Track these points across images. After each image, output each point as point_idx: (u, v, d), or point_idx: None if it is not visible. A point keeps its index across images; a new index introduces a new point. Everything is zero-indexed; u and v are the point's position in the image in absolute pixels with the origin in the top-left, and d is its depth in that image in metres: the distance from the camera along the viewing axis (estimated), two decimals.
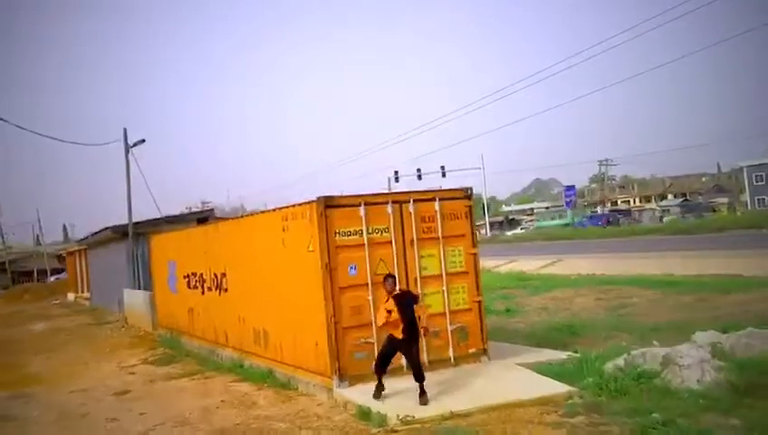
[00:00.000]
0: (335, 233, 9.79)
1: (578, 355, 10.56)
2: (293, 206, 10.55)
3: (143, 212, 27.19)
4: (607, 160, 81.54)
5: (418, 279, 10.22)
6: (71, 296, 41.49)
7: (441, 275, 10.40)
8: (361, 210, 9.94)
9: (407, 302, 8.92)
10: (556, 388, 8.90)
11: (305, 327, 10.38)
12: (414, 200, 10.34)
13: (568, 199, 71.62)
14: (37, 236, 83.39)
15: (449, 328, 10.37)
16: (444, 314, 10.38)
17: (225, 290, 13.88)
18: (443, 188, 11.06)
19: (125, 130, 24.68)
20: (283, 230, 10.90)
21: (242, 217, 13.29)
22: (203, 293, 15.28)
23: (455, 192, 10.80)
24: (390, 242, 10.11)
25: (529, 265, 32.46)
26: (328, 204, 9.75)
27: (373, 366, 9.11)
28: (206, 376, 12.45)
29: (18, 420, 10.52)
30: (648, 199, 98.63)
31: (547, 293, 21.35)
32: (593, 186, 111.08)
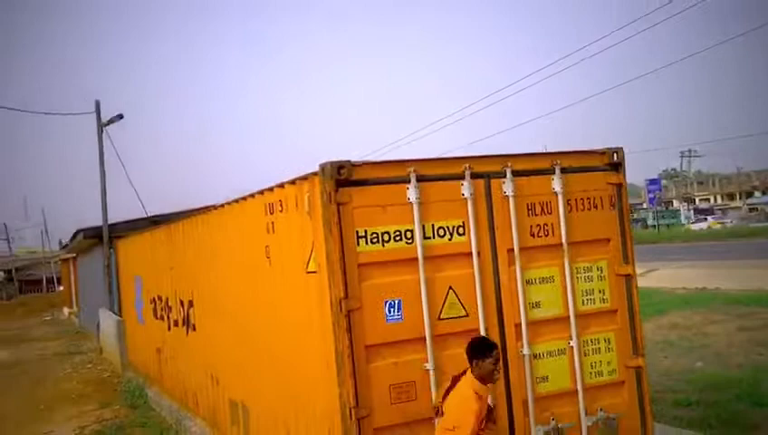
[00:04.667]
0: (358, 236, 5.15)
1: None
2: (281, 185, 5.96)
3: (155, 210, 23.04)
4: (690, 152, 74.46)
5: (524, 326, 5.54)
6: (65, 311, 37.81)
7: (567, 318, 5.70)
8: (411, 190, 5.28)
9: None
10: None
11: (307, 416, 5.81)
12: (513, 173, 5.63)
13: (651, 195, 65.04)
14: (60, 240, 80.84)
15: (584, 422, 5.65)
16: (574, 392, 5.67)
17: (194, 328, 9.40)
18: (567, 150, 6.19)
19: (97, 102, 20.40)
20: (268, 232, 6.35)
21: (212, 208, 8.66)
22: (169, 328, 10.86)
23: (590, 157, 6.01)
24: (469, 254, 5.43)
25: None
26: (343, 178, 5.12)
27: None
28: None
29: None
30: (731, 197, 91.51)
31: (660, 317, 16.73)
32: (665, 182, 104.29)
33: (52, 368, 17.96)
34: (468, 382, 4.55)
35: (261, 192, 6.47)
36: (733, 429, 7.84)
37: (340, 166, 5.11)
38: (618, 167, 5.98)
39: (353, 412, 4.99)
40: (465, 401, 4.48)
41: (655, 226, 60.42)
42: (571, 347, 5.70)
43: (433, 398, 5.15)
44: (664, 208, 79.76)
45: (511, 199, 5.57)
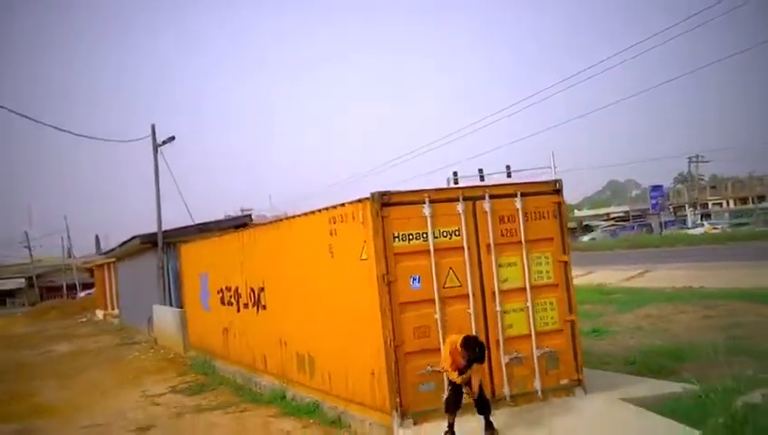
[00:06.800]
0: (394, 237, 8.79)
1: (696, 387, 9.33)
2: (342, 205, 9.61)
3: (173, 221, 26.73)
4: (698, 157, 78.08)
5: (497, 293, 9.14)
6: (99, 314, 41.61)
7: (524, 289, 9.30)
8: (426, 209, 8.92)
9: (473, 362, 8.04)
10: (675, 431, 7.73)
11: (358, 352, 9.41)
12: (490, 196, 9.26)
13: (654, 201, 68.90)
14: (69, 248, 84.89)
15: (535, 354, 9.24)
16: (528, 336, 9.26)
17: (264, 307, 13.03)
18: (525, 181, 9.88)
19: (153, 126, 24.34)
20: (331, 235, 9.97)
21: (282, 219, 12.40)
22: (238, 310, 14.50)
23: (540, 185, 9.67)
24: (462, 248, 9.05)
25: (610, 276, 30.93)
26: (385, 202, 8.76)
27: (444, 404, 8.25)
28: (242, 409, 11.61)
29: None
30: (744, 201, 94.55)
31: (639, 309, 20.02)
32: (678, 186, 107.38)
33: (119, 354, 21.69)
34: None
35: (326, 208, 10.10)
36: (655, 373, 11.25)
37: (383, 193, 8.76)
38: (558, 192, 9.59)
39: (392, 343, 8.61)
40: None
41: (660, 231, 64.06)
42: (528, 307, 9.29)
43: (440, 337, 8.73)
44: (673, 214, 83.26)
45: (488, 214, 9.20)
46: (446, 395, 8.29)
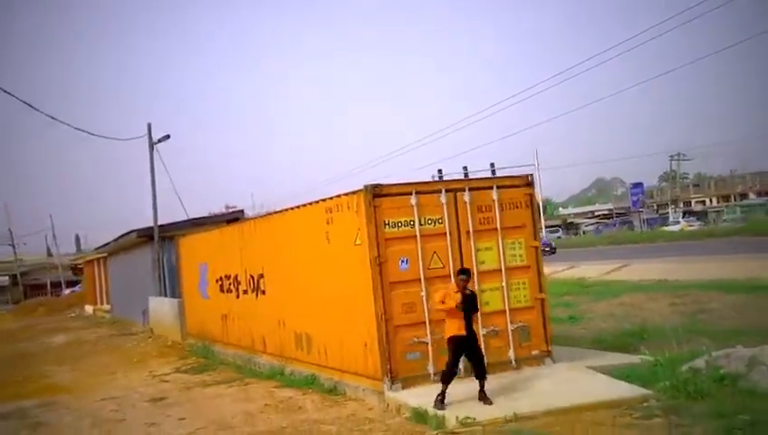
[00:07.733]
0: (384, 224, 10.11)
1: (651, 358, 10.69)
2: (338, 196, 10.91)
3: (161, 218, 27.82)
4: (679, 156, 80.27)
5: (475, 274, 10.47)
6: (89, 309, 42.61)
7: (500, 270, 10.64)
8: (413, 199, 10.24)
9: (471, 307, 9.20)
10: (629, 391, 9.08)
11: (353, 327, 10.71)
12: (469, 189, 10.61)
13: (635, 199, 70.86)
14: (49, 247, 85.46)
15: (509, 328, 10.60)
16: (503, 311, 10.62)
17: (263, 292, 14.31)
18: (501, 175, 11.23)
19: (149, 125, 25.53)
20: (328, 223, 11.27)
21: (281, 210, 13.71)
22: (238, 296, 15.76)
23: (514, 179, 11.04)
24: (444, 234, 10.39)
25: (591, 270, 32.28)
26: (376, 193, 10.08)
27: (441, 376, 9.16)
28: (246, 383, 12.93)
29: (51, 426, 11.09)
30: (726, 199, 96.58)
31: (614, 298, 21.38)
32: (663, 184, 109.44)
33: (117, 343, 22.87)
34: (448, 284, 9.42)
35: (323, 200, 11.41)
36: (620, 349, 12.61)
37: (375, 186, 10.08)
38: (530, 185, 10.96)
39: (383, 317, 9.94)
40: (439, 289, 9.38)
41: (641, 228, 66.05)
42: (503, 287, 10.65)
43: (426, 312, 10.06)
44: (656, 211, 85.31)
45: (468, 204, 10.55)
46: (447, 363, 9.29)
